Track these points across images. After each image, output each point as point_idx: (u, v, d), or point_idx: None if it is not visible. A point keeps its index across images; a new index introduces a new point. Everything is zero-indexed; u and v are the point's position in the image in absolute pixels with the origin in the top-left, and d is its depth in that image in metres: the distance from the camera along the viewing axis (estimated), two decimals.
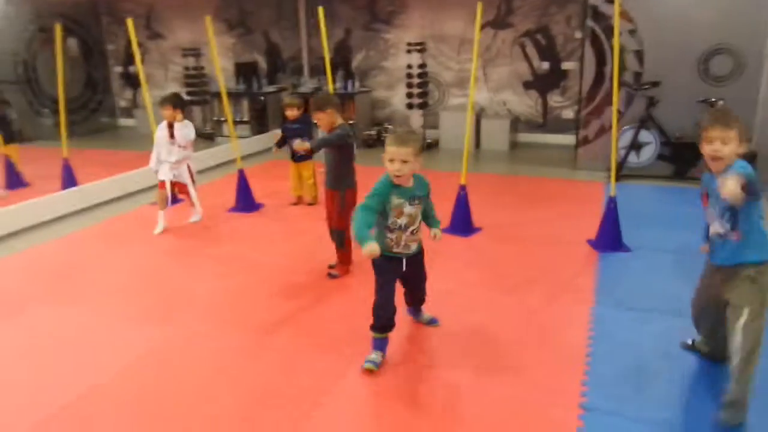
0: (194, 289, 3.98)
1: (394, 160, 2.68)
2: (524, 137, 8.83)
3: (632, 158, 6.59)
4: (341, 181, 4.02)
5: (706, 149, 2.40)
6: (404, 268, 2.95)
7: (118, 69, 11.33)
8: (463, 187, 4.85)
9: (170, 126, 5.01)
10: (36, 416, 2.64)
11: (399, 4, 8.93)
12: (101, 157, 8.40)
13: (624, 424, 2.46)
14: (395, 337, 3.07)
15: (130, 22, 5.42)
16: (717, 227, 2.47)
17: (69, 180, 6.51)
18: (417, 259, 3.04)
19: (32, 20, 9.79)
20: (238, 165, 5.72)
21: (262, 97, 9.41)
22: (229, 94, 9.35)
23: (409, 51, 8.67)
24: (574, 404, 2.59)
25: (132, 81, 11.19)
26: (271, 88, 9.61)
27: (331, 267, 4.14)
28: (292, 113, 5.52)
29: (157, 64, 10.94)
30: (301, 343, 3.21)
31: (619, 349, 3.05)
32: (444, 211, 4.94)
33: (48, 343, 3.33)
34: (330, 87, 5.40)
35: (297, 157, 5.44)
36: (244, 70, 9.70)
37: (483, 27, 8.53)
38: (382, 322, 2.91)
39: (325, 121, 3.96)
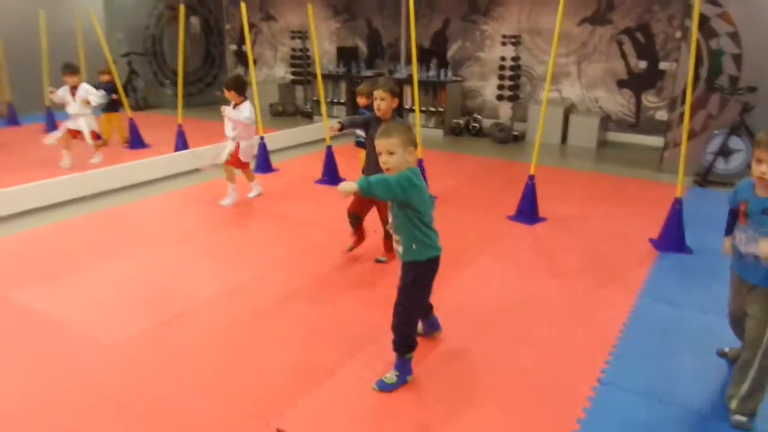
0: (274, 244, 4.52)
1: (381, 153, 2.57)
2: (614, 136, 8.76)
3: (720, 164, 6.45)
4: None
5: (755, 169, 2.35)
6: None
7: (233, 47, 12.27)
8: (531, 177, 5.06)
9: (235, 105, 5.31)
10: (128, 333, 3.25)
11: None
12: (211, 127, 9.25)
13: (634, 400, 2.67)
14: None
15: (243, 6, 6.04)
16: (753, 248, 2.42)
17: (181, 144, 7.35)
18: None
19: None
20: (327, 142, 6.23)
21: (359, 81, 9.92)
22: (329, 77, 9.99)
23: (503, 43, 8.83)
24: (592, 376, 2.83)
25: (244, 59, 12.09)
26: (368, 72, 10.10)
27: (378, 261, 4.23)
28: (362, 101, 5.59)
29: (268, 44, 11.75)
30: (354, 298, 3.64)
31: (651, 337, 3.22)
32: (516, 199, 5.19)
33: (150, 274, 3.98)
34: (414, 74, 5.73)
35: (359, 143, 5.70)
36: (345, 54, 10.25)
37: (580, 22, 8.54)
38: (412, 340, 2.76)
39: (385, 105, 3.92)
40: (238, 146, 5.38)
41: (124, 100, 7.76)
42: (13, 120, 9.59)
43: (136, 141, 7.88)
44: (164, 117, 10.05)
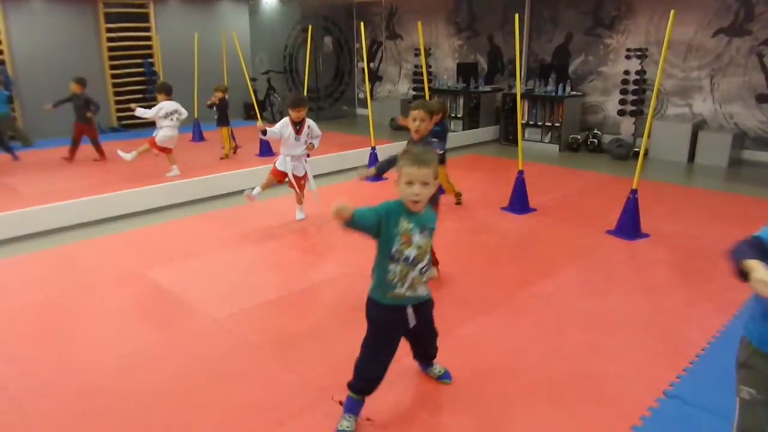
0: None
1: (414, 183, 2.27)
2: (750, 155, 8.10)
3: None
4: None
5: None
6: (410, 323, 2.50)
7: (361, 65, 12.98)
8: (633, 192, 4.93)
9: (295, 124, 5.26)
10: (234, 308, 3.70)
11: (625, 9, 8.81)
12: (335, 138, 9.90)
13: (697, 414, 2.59)
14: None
15: (362, 26, 6.49)
16: None
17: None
18: (426, 308, 2.60)
19: (299, 20, 11.78)
20: None
21: (476, 96, 10.08)
22: (448, 92, 10.25)
23: (628, 56, 8.55)
24: (659, 389, 2.78)
25: (371, 75, 12.73)
26: (487, 88, 10.23)
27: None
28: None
29: (393, 61, 12.29)
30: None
31: (733, 359, 3.07)
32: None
33: (264, 263, 4.46)
34: (518, 89, 5.80)
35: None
36: (465, 70, 10.46)
37: (715, 33, 8.05)
38: (362, 384, 2.49)
39: (423, 127, 3.81)
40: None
41: (258, 113, 8.58)
42: None
43: (266, 149, 8.66)
44: None
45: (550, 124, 9.14)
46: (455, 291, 3.94)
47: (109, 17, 11.09)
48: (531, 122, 9.30)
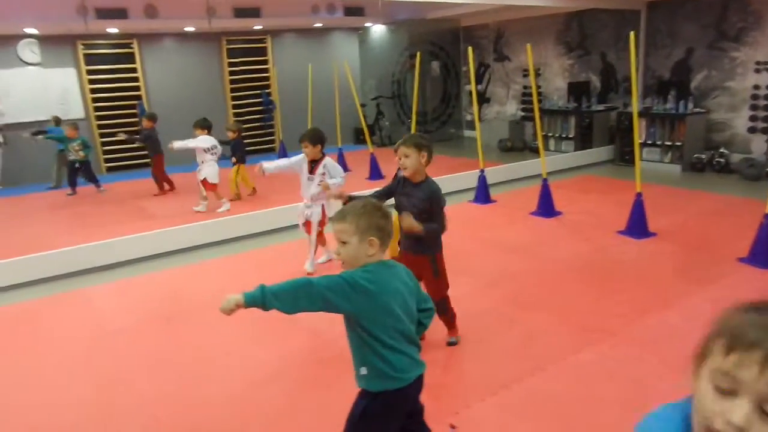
0: (484, 261, 4.81)
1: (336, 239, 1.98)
2: None
3: None
4: (431, 245, 3.28)
5: None
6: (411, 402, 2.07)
7: (468, 87, 13.03)
8: (767, 216, 4.56)
9: (310, 162, 4.75)
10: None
11: (753, 20, 8.22)
12: (442, 161, 9.96)
13: None
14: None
15: (470, 50, 6.55)
16: None
17: None
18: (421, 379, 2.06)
19: (406, 47, 12.06)
20: (543, 175, 6.36)
21: (588, 116, 9.78)
22: (558, 112, 10.05)
23: (758, 70, 7.95)
24: None
25: (478, 97, 12.73)
26: (600, 107, 9.89)
27: (449, 343, 3.52)
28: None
29: (501, 83, 12.22)
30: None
31: None
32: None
33: None
34: (634, 107, 5.57)
35: None
36: (576, 89, 10.19)
37: None
38: None
39: (410, 163, 3.19)
40: (323, 208, 4.85)
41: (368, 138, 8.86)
42: (283, 154, 11.52)
43: (374, 173, 8.90)
44: None
45: (670, 143, 8.65)
46: (570, 316, 3.83)
47: (231, 52, 11.97)
48: (649, 141, 8.86)
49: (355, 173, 9.23)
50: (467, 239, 5.68)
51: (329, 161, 4.74)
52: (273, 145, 12.67)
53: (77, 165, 8.83)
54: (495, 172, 7.97)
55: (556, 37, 10.97)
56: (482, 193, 7.07)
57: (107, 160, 11.10)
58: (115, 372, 3.45)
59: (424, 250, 3.26)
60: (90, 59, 10.65)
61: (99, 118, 10.86)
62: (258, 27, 11.65)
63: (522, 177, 8.24)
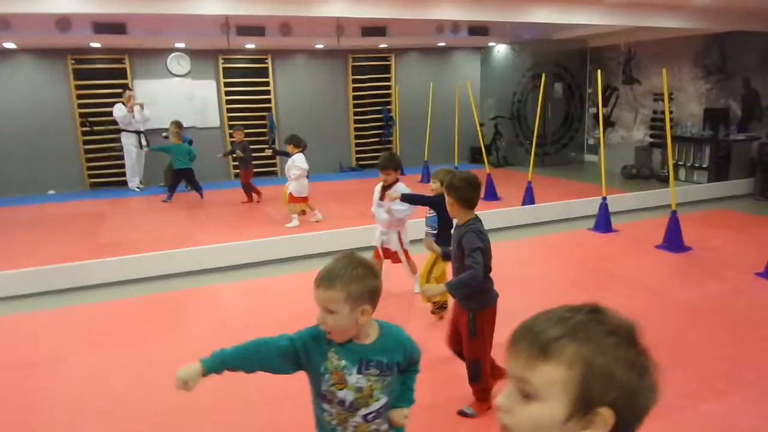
0: (604, 295, 4.59)
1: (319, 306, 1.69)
2: None
3: None
4: (471, 298, 2.87)
5: None
6: None
7: (593, 110, 12.56)
8: None
9: (384, 187, 4.62)
10: None
11: None
12: (560, 185, 9.69)
13: None
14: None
15: (598, 73, 6.33)
16: None
17: (528, 198, 7.95)
18: None
19: (530, 67, 11.86)
20: (672, 206, 5.98)
21: (726, 145, 9.08)
22: (692, 140, 9.43)
23: None
24: None
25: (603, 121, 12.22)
26: (740, 136, 9.15)
27: (461, 412, 3.00)
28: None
29: (629, 106, 11.66)
30: None
31: None
32: None
33: None
34: None
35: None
36: (713, 116, 9.51)
37: None
38: None
39: (450, 204, 3.03)
40: (399, 235, 4.64)
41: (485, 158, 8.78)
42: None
43: (489, 194, 8.81)
44: (521, 174, 10.88)
45: None
46: (697, 361, 3.57)
47: (355, 69, 12.40)
48: None
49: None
50: (584, 269, 5.46)
51: (401, 186, 4.55)
52: None
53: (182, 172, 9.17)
54: (618, 200, 7.60)
55: (693, 60, 10.31)
56: (603, 221, 6.77)
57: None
58: None
59: (463, 305, 2.92)
60: (228, 72, 11.50)
61: (231, 127, 11.66)
62: (383, 45, 12.00)
63: (648, 207, 7.79)
